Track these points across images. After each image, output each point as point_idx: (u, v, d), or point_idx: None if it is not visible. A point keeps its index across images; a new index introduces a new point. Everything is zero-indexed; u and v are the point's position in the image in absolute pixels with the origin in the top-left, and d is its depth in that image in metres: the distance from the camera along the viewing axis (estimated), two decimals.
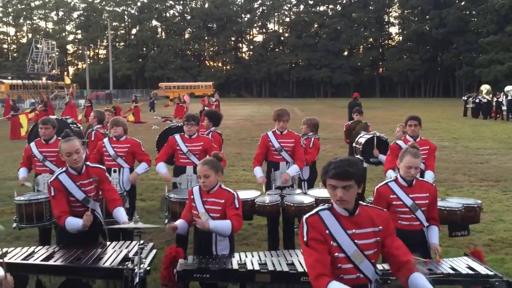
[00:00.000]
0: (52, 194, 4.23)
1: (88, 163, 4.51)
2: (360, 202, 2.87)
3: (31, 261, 3.87)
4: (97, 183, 4.38)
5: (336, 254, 2.74)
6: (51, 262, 3.84)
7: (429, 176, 5.84)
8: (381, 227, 2.80)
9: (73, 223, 4.15)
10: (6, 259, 3.88)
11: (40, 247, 4.31)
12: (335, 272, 2.74)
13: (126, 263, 3.73)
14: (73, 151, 4.19)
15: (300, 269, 3.71)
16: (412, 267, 2.79)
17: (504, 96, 29.05)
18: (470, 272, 3.66)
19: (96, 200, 4.44)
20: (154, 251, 4.16)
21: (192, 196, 4.19)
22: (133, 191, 6.40)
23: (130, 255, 3.94)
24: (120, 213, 4.38)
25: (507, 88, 29.20)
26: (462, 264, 3.83)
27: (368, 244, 2.77)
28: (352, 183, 2.70)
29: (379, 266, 3.77)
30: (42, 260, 3.88)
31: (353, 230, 2.77)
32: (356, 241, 2.75)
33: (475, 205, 5.36)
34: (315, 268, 2.66)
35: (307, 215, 2.86)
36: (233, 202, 4.08)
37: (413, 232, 4.01)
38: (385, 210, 2.97)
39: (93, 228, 4.31)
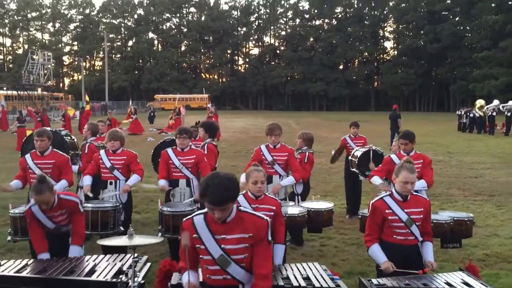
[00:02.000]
0: (28, 221, 4.54)
1: (61, 195, 4.57)
2: (240, 208, 3.00)
3: (24, 274, 3.84)
4: (68, 214, 4.53)
5: (202, 256, 2.98)
6: (44, 275, 3.80)
7: (419, 183, 5.64)
8: (251, 234, 2.92)
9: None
10: None
11: (33, 259, 4.28)
12: (205, 271, 3.02)
13: (120, 276, 3.71)
14: (44, 203, 4.36)
15: (295, 283, 3.69)
16: (259, 281, 2.91)
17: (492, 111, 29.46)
18: (465, 287, 3.65)
19: (68, 224, 4.59)
20: (148, 264, 4.15)
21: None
22: (129, 204, 6.37)
23: (124, 268, 3.91)
24: (73, 251, 4.49)
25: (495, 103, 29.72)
26: (457, 279, 3.82)
27: (236, 249, 2.92)
28: (229, 204, 2.84)
29: (374, 281, 3.77)
30: (35, 273, 3.84)
31: (222, 236, 2.92)
32: (223, 246, 2.92)
33: (466, 219, 5.36)
34: (182, 262, 3.05)
35: (185, 219, 3.07)
36: (281, 211, 4.34)
37: (408, 247, 4.01)
38: (265, 218, 3.00)
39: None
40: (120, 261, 4.12)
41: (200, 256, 2.99)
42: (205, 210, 2.97)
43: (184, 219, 3.08)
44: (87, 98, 33.77)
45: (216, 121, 24.34)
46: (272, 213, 4.19)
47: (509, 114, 28.42)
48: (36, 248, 4.50)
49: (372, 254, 4.06)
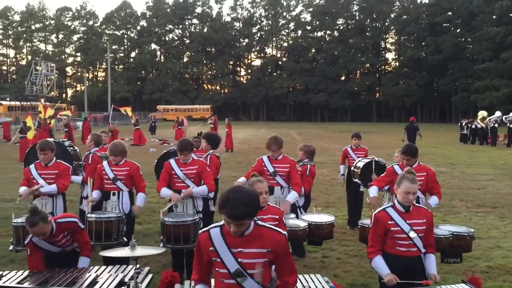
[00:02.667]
0: (29, 253, 4.48)
1: (58, 219, 4.53)
2: (258, 222, 2.99)
3: (25, 285, 3.84)
4: (71, 235, 4.53)
5: (218, 269, 2.94)
6: (46, 287, 3.80)
7: (432, 201, 5.86)
8: (270, 249, 2.90)
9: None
10: (0, 283, 3.86)
11: (35, 270, 4.27)
12: (219, 285, 2.97)
13: (122, 287, 3.70)
14: (40, 234, 4.31)
15: None
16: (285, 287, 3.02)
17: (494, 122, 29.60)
18: None
19: (72, 243, 4.60)
20: (150, 275, 4.14)
21: None
22: (131, 215, 6.35)
23: (126, 279, 3.90)
24: (81, 262, 4.55)
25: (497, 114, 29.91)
26: None
27: (253, 264, 2.88)
28: (246, 220, 2.81)
29: None
30: (37, 285, 3.84)
31: (239, 249, 2.89)
32: (240, 259, 2.88)
33: (465, 234, 5.35)
34: (195, 274, 3.09)
35: (201, 231, 3.05)
36: (283, 219, 4.34)
37: (411, 259, 3.99)
38: (283, 233, 3.01)
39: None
40: (122, 272, 4.12)
41: (216, 269, 2.96)
42: (222, 222, 2.95)
43: (200, 231, 3.05)
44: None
45: (230, 132, 24.34)
46: (276, 222, 4.25)
47: (511, 125, 28.40)
48: (31, 266, 4.48)
49: (375, 266, 4.03)
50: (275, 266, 3.01)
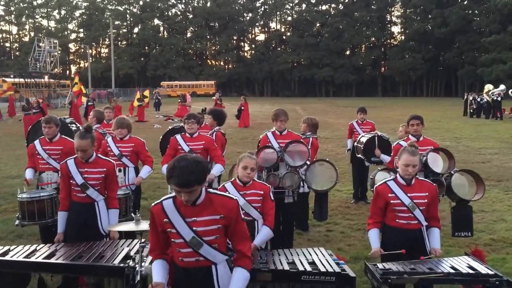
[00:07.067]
0: (60, 176, 4.71)
1: (100, 155, 4.77)
2: (209, 190, 3.03)
3: (33, 259, 3.89)
4: (105, 174, 4.58)
5: (174, 240, 2.99)
6: (52, 260, 3.85)
7: None
8: (223, 215, 2.95)
9: (60, 220, 4.58)
10: (8, 257, 3.92)
11: (42, 245, 4.33)
12: (177, 254, 3.03)
13: (128, 261, 3.74)
14: (79, 149, 4.48)
15: (300, 268, 3.72)
16: (240, 258, 3.01)
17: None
18: (471, 271, 3.66)
19: (99, 192, 4.58)
20: None
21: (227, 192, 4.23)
22: (138, 190, 6.43)
23: (132, 253, 3.95)
24: (111, 216, 4.64)
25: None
26: (463, 263, 3.83)
27: (207, 231, 2.95)
28: (196, 187, 2.84)
29: (380, 265, 3.79)
30: (44, 258, 3.89)
31: (193, 218, 2.95)
32: (194, 228, 2.94)
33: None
34: (150, 248, 3.16)
35: (154, 204, 3.08)
36: (269, 195, 4.38)
37: (411, 231, 4.03)
38: (234, 198, 3.06)
39: (91, 224, 4.53)
40: (127, 246, 4.17)
41: (172, 239, 3.01)
42: (174, 193, 2.99)
43: (153, 204, 3.09)
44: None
45: (246, 109, 24.32)
46: (261, 198, 4.32)
47: None
48: (61, 205, 4.65)
49: (369, 237, 4.17)
50: (228, 233, 3.03)
